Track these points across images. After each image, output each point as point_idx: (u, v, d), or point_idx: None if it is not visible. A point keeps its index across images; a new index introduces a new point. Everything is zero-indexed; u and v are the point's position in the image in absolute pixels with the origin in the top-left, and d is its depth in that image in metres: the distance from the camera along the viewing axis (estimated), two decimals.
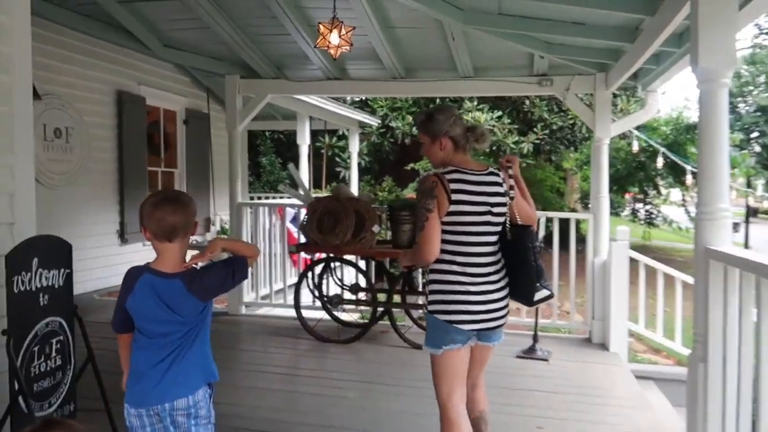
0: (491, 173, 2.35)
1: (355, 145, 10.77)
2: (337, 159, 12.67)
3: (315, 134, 10.91)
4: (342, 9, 3.88)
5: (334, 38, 3.68)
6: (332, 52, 3.84)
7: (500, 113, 10.72)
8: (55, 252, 2.63)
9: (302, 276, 4.97)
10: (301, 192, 5.37)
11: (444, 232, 2.26)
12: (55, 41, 5.85)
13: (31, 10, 2.78)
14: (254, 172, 14.27)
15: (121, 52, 6.66)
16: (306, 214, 4.67)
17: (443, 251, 2.27)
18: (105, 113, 6.65)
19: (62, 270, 2.65)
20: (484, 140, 2.38)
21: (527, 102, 11.24)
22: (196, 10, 4.64)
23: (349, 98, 11.51)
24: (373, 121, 11.41)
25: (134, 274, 1.94)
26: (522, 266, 2.32)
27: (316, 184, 12.14)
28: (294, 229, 6.38)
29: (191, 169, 8.18)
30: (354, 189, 10.69)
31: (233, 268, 1.94)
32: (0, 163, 2.67)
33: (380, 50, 4.83)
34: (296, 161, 8.84)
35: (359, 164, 12.00)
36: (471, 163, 2.35)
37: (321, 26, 3.74)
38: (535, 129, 11.03)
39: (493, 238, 2.34)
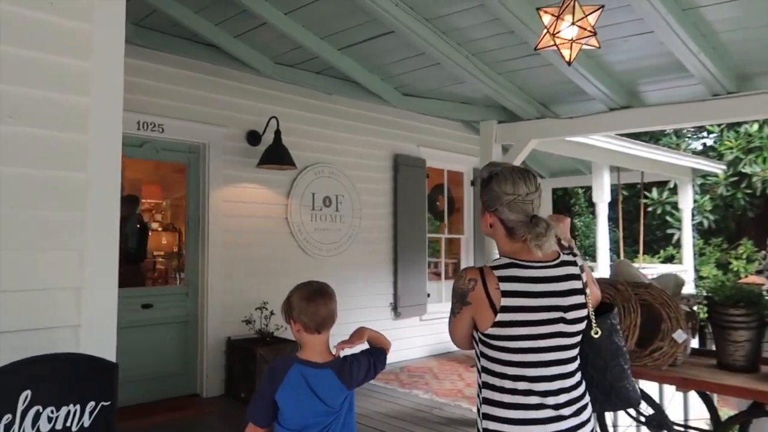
0: (563, 263, 1.73)
1: (687, 200, 8.35)
2: (668, 218, 10.24)
3: (632, 187, 8.88)
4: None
5: (566, 30, 2.29)
6: (566, 54, 2.43)
7: None
8: (69, 378, 1.75)
9: None
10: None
11: (493, 348, 1.67)
12: (323, 109, 5.80)
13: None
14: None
15: (397, 113, 6.34)
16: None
17: (493, 374, 1.68)
18: (379, 179, 6.34)
19: (87, 404, 1.76)
20: (540, 240, 1.65)
21: None
22: (432, 55, 3.79)
23: (681, 143, 9.22)
24: (716, 167, 8.86)
25: (282, 367, 1.92)
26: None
27: (634, 252, 9.85)
28: None
29: (481, 234, 7.32)
30: (687, 257, 8.28)
31: (375, 359, 2.00)
32: (61, 241, 1.96)
33: (682, 53, 3.20)
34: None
35: (700, 224, 9.45)
36: (530, 252, 1.69)
37: (543, 13, 2.38)
38: None
39: (570, 354, 1.70)
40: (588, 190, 12.63)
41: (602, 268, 6.85)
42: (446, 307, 1.83)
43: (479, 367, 1.72)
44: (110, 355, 1.96)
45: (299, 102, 5.58)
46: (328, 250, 5.77)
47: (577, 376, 1.71)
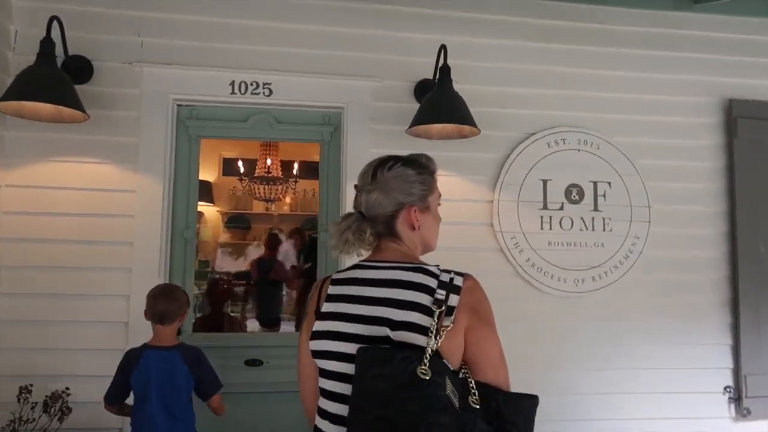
0: (419, 269, 1.37)
1: None
2: None
3: None
4: None
5: None
6: None
7: None
8: None
9: None
10: None
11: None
12: (563, 32, 3.30)
13: None
14: None
15: (725, 24, 3.36)
16: None
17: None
18: (690, 149, 3.36)
19: None
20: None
21: None
22: None
23: None
24: None
25: (135, 353, 2.37)
26: None
27: None
28: None
29: None
30: None
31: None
32: None
33: None
34: None
35: None
36: (391, 251, 1.45)
37: None
38: None
39: None
40: None
41: None
42: None
43: None
44: None
45: (511, 25, 3.25)
46: (576, 281, 3.18)
47: None
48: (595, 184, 3.25)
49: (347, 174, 3.05)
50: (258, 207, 6.37)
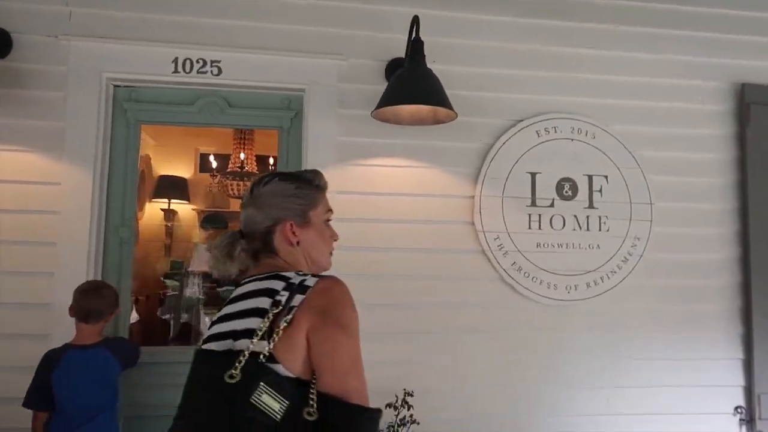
0: (273, 276, 1.32)
1: None
2: None
3: None
4: None
5: None
6: None
7: None
8: None
9: None
10: None
11: None
12: (551, 7, 2.93)
13: None
14: None
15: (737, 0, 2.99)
16: None
17: None
18: (697, 139, 2.99)
19: None
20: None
21: None
22: None
23: None
24: None
25: (56, 353, 2.23)
26: None
27: None
28: None
29: None
30: None
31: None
32: None
33: None
34: None
35: None
36: (264, 266, 1.40)
37: None
38: None
39: None
40: None
41: None
42: None
43: None
44: None
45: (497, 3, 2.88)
46: (568, 288, 2.80)
47: None
48: (590, 177, 2.87)
49: (310, 166, 2.67)
50: (236, 205, 5.98)
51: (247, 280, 1.35)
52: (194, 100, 2.73)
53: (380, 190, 2.72)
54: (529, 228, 2.80)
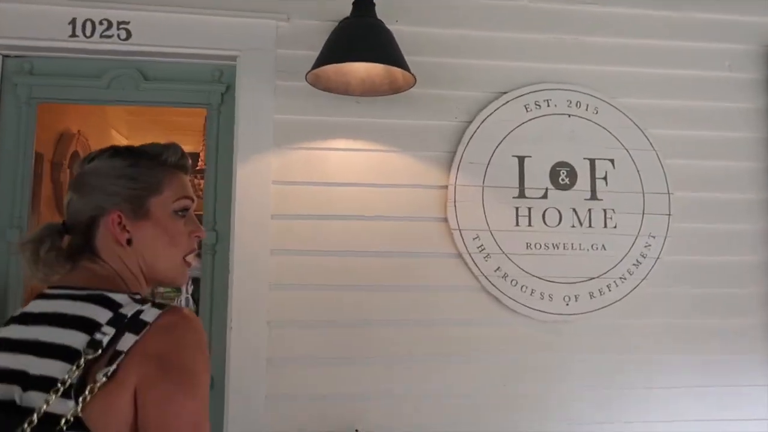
0: (95, 297, 0.99)
1: None
2: None
3: None
4: None
5: None
6: None
7: None
8: None
9: None
10: None
11: None
12: None
13: None
14: None
15: None
16: None
17: None
18: (725, 113, 2.46)
19: None
20: None
21: None
22: None
23: None
24: None
25: None
26: None
27: None
28: None
29: None
30: None
31: None
32: None
33: None
34: None
35: None
36: (80, 273, 1.07)
37: None
38: None
39: None
40: None
41: None
42: None
43: None
44: None
45: None
46: (566, 299, 2.26)
47: None
48: (592, 162, 2.33)
49: (242, 151, 2.16)
50: None
51: (56, 291, 1.02)
52: (101, 73, 2.22)
53: (329, 180, 2.20)
54: (517, 225, 2.26)
